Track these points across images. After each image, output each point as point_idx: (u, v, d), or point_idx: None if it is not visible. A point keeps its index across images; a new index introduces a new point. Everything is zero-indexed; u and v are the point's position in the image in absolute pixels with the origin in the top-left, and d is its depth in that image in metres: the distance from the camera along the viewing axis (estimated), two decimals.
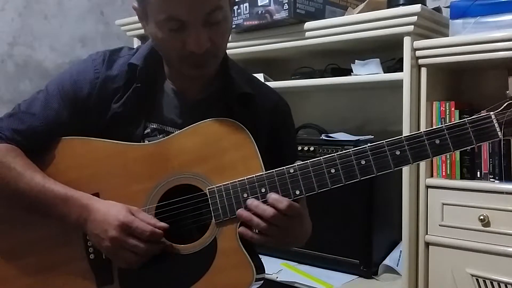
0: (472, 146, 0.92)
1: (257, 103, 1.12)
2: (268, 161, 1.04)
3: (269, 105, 1.14)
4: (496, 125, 0.89)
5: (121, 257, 0.97)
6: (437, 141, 0.92)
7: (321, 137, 1.83)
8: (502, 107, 0.90)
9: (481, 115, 0.91)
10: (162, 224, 0.98)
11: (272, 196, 0.95)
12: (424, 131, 0.92)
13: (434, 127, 0.92)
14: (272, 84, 1.82)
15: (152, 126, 1.07)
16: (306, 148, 1.76)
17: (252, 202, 0.96)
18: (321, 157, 0.95)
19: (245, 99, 1.10)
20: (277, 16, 1.72)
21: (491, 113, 0.90)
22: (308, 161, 0.95)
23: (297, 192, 0.96)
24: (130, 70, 1.07)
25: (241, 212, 0.96)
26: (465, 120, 0.91)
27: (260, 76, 1.83)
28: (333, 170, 0.94)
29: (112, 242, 0.95)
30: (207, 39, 0.95)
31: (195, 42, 0.94)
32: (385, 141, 0.93)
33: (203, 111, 1.07)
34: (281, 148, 1.15)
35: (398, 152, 0.93)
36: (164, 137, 1.05)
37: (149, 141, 1.05)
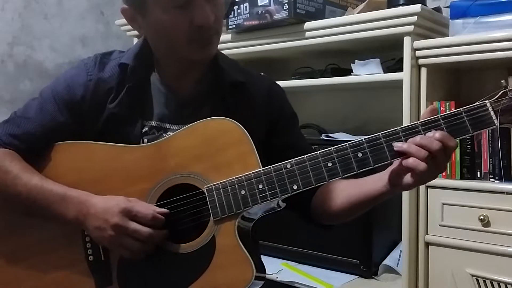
0: (470, 135, 0.91)
1: (251, 90, 1.12)
2: (274, 146, 1.07)
3: (263, 89, 1.15)
4: (492, 113, 0.89)
5: (124, 245, 0.97)
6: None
7: (321, 137, 1.83)
8: (497, 95, 0.89)
9: (477, 104, 0.90)
10: (163, 209, 0.98)
11: (441, 132, 0.89)
12: (420, 122, 0.91)
13: (429, 118, 0.91)
14: None
15: (150, 124, 1.08)
16: None
17: (414, 138, 0.90)
18: (318, 151, 0.95)
19: (237, 88, 1.11)
20: (277, 16, 1.72)
21: (487, 101, 0.89)
22: (305, 155, 0.95)
23: (295, 187, 0.95)
24: (122, 71, 1.08)
25: (400, 143, 0.90)
26: (460, 110, 0.90)
27: None
28: (330, 164, 0.94)
29: (115, 229, 0.96)
30: (211, 12, 0.98)
31: (202, 14, 0.97)
32: (381, 133, 0.93)
33: (197, 104, 1.09)
34: (286, 130, 1.16)
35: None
36: (162, 134, 1.06)
37: (148, 140, 1.06)
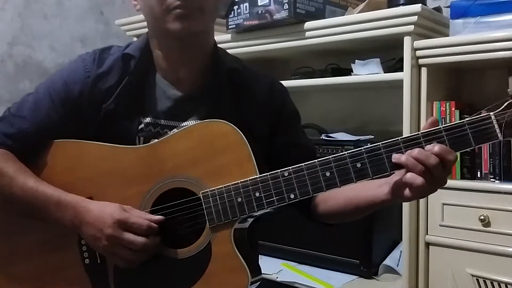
0: (471, 148, 0.88)
1: (253, 88, 1.11)
2: (276, 144, 1.06)
3: (265, 87, 1.13)
4: (496, 126, 0.85)
5: (119, 255, 0.97)
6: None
7: (321, 137, 1.83)
8: (503, 106, 0.85)
9: (481, 115, 0.87)
10: (157, 217, 0.98)
11: (440, 146, 0.87)
12: (421, 133, 0.89)
13: (431, 129, 0.89)
14: None
15: (146, 121, 1.06)
16: None
17: (411, 150, 0.88)
18: (316, 160, 0.93)
19: (239, 86, 1.09)
20: (277, 16, 1.72)
21: (491, 113, 0.86)
22: (303, 164, 0.94)
23: (292, 196, 0.94)
24: (124, 62, 1.06)
25: (398, 155, 0.88)
26: (464, 121, 0.87)
27: None
28: (328, 173, 0.92)
29: (109, 240, 0.95)
30: None
31: None
32: (381, 143, 0.90)
33: (197, 102, 1.07)
34: (288, 128, 1.15)
35: None
36: (159, 131, 1.05)
37: (143, 137, 1.04)
